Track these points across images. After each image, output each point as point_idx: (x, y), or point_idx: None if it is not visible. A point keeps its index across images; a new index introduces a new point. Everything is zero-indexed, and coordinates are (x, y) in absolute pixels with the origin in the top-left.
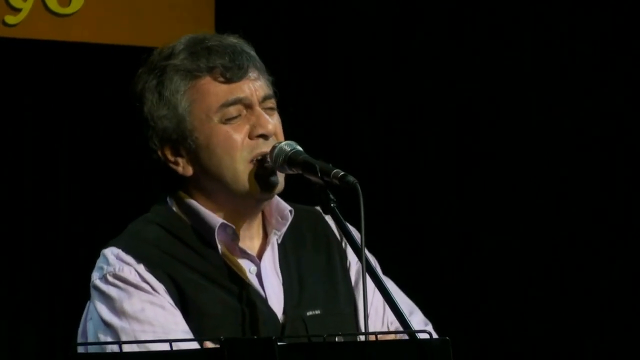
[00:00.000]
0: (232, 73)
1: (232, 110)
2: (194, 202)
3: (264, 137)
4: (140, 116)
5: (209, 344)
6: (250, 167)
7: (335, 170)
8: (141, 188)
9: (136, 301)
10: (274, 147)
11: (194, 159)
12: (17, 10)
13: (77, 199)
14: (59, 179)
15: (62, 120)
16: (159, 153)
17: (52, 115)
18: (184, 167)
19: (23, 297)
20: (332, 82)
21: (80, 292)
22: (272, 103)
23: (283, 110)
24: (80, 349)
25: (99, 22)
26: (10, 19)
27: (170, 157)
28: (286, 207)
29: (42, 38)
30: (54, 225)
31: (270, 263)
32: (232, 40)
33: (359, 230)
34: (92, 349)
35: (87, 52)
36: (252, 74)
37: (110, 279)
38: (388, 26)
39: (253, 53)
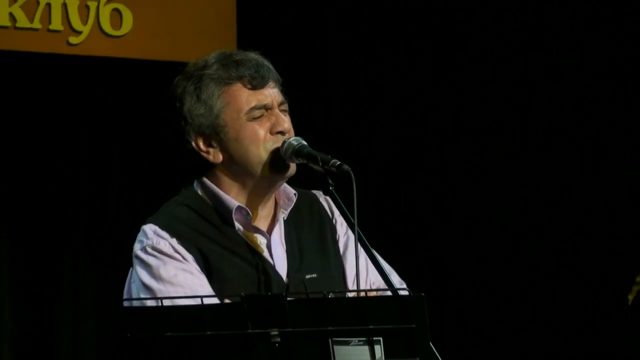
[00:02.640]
0: (257, 82)
1: (257, 112)
2: (215, 187)
3: (282, 133)
4: (178, 114)
5: (227, 302)
6: (270, 155)
7: (333, 160)
8: (171, 178)
9: (170, 268)
10: (284, 142)
11: (224, 148)
12: (78, 33)
13: (125, 188)
14: (112, 173)
15: (115, 121)
16: (193, 144)
17: (107, 117)
18: (215, 155)
19: (84, 265)
20: (340, 87)
21: (126, 261)
22: (285, 107)
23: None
24: (126, 304)
25: (143, 42)
26: (73, 39)
27: (203, 147)
28: (292, 191)
29: (98, 55)
30: (106, 209)
31: (278, 237)
32: (254, 55)
33: (352, 208)
34: (135, 304)
35: (135, 66)
36: (271, 83)
37: (149, 250)
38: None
39: (271, 66)
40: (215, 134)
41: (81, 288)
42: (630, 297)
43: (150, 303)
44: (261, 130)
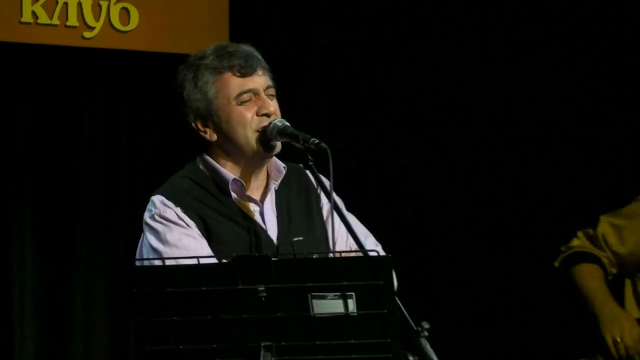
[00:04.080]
0: (246, 70)
1: (245, 97)
2: (213, 162)
3: (267, 115)
4: (180, 99)
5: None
6: (257, 135)
7: (312, 139)
8: (177, 155)
9: (175, 233)
10: (270, 123)
11: (218, 129)
12: (91, 28)
13: (134, 162)
14: (122, 149)
15: (123, 106)
16: (193, 125)
17: (117, 101)
18: (210, 135)
19: (97, 229)
20: (325, 77)
21: (137, 227)
22: (272, 91)
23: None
24: (137, 264)
25: (148, 37)
26: (87, 34)
27: (201, 127)
28: (281, 164)
29: (109, 47)
30: (117, 182)
31: (269, 205)
32: (246, 47)
33: (329, 178)
34: (145, 264)
35: (141, 57)
36: (259, 71)
37: (157, 218)
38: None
39: (260, 56)
40: (210, 117)
41: (95, 249)
42: (557, 263)
43: (157, 263)
44: (248, 113)
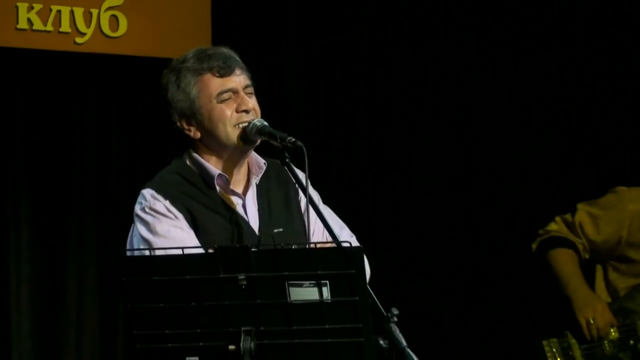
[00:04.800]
0: (224, 71)
1: (225, 95)
2: (199, 158)
3: (246, 111)
4: (165, 100)
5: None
6: (236, 130)
7: (289, 137)
8: (164, 151)
9: (164, 225)
10: (249, 123)
11: (201, 126)
12: (83, 34)
13: (123, 160)
14: (112, 145)
15: (113, 106)
16: (178, 124)
17: (107, 103)
18: (194, 133)
19: (89, 221)
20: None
21: (127, 219)
22: (251, 89)
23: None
24: (128, 254)
25: (136, 42)
26: (79, 40)
27: (185, 126)
28: (262, 160)
29: (99, 52)
30: (108, 177)
31: (251, 198)
32: (224, 50)
33: (304, 173)
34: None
35: (130, 61)
36: (237, 71)
37: (147, 210)
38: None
39: (238, 58)
40: (193, 115)
41: (87, 240)
42: (534, 246)
43: (147, 253)
44: (228, 110)
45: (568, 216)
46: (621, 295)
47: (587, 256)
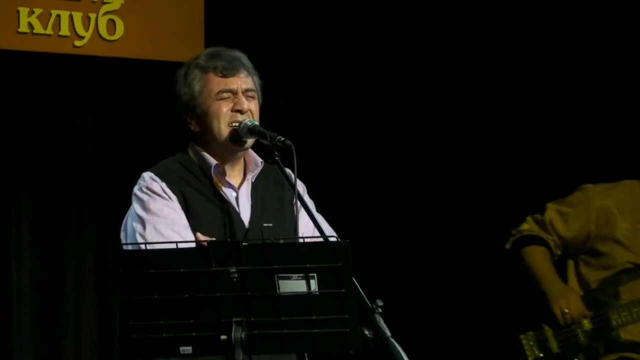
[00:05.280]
0: (227, 72)
1: (225, 94)
2: (199, 149)
3: (240, 112)
4: (173, 92)
5: (200, 236)
6: (229, 129)
7: (279, 137)
8: (159, 150)
9: (158, 204)
10: (240, 123)
11: (199, 120)
12: (82, 37)
13: (120, 158)
14: (109, 143)
15: (110, 106)
16: (182, 116)
17: (104, 103)
18: (194, 126)
19: (88, 215)
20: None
21: (123, 217)
22: (252, 94)
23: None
24: (122, 235)
25: (132, 45)
26: (78, 43)
27: (188, 119)
28: (259, 159)
29: (97, 55)
30: (105, 176)
31: (245, 192)
32: (235, 53)
33: (293, 172)
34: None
35: (126, 63)
36: (242, 74)
37: (144, 189)
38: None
39: (247, 62)
40: (194, 109)
41: (85, 237)
42: (508, 245)
43: (140, 229)
44: (224, 107)
45: (538, 215)
46: (592, 287)
47: (559, 252)
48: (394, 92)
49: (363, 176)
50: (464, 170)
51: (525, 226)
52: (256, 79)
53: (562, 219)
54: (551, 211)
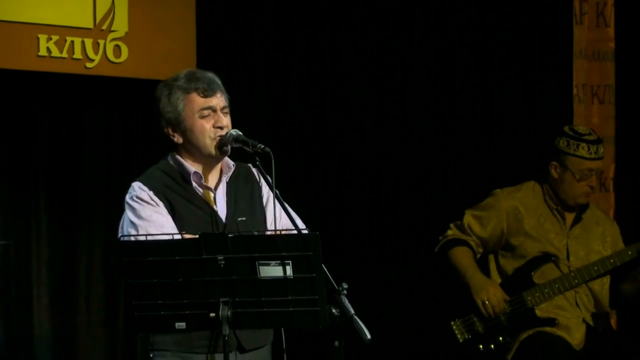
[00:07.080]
0: (208, 92)
1: (205, 112)
2: (180, 158)
3: (220, 128)
4: (157, 110)
5: (187, 235)
6: (213, 142)
7: (259, 145)
8: (155, 156)
9: (147, 210)
10: (226, 132)
11: (184, 135)
12: (92, 60)
13: (125, 163)
14: (116, 151)
15: (117, 119)
16: (165, 130)
17: (112, 117)
18: (177, 138)
19: (99, 211)
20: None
21: (120, 208)
22: (227, 110)
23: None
24: (119, 234)
25: (135, 67)
26: (89, 65)
27: (171, 133)
28: (231, 162)
29: (105, 75)
30: (111, 179)
31: (221, 192)
32: (210, 75)
33: (271, 175)
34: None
35: (131, 83)
36: (218, 94)
37: (134, 198)
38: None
39: (220, 82)
40: (178, 125)
41: (95, 229)
42: (436, 249)
43: (133, 232)
44: (207, 125)
45: (458, 221)
46: (509, 275)
47: (480, 250)
48: (352, 97)
49: (331, 179)
50: (428, 169)
51: (449, 232)
52: (226, 96)
53: (478, 222)
54: (468, 216)
